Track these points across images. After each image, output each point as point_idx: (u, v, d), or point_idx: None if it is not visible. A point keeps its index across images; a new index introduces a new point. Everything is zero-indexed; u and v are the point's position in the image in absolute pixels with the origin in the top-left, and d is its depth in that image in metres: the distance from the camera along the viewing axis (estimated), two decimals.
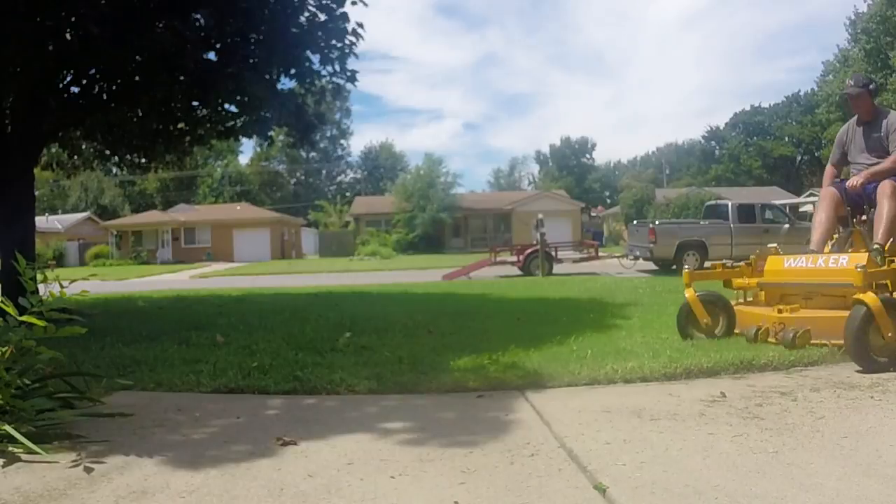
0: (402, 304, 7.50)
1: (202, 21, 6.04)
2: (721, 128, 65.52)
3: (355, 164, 72.62)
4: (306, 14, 6.63)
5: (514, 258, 15.82)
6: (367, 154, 71.33)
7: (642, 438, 2.22)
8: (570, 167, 71.44)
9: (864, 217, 4.32)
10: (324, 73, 7.12)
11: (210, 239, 39.07)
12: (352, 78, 7.27)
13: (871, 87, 4.50)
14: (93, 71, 6.51)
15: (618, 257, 16.55)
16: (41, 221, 33.57)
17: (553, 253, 15.19)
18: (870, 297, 3.21)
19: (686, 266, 3.80)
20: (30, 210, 6.76)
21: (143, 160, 8.98)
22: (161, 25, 5.67)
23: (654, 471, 1.91)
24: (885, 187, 4.12)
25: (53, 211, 47.23)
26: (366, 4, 6.76)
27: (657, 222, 15.00)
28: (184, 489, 1.89)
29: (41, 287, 2.79)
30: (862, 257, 3.63)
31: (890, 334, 3.20)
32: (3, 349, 2.50)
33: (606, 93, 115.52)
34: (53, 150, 8.87)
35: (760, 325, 3.83)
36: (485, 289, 9.91)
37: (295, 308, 6.98)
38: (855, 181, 4.28)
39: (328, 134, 67.37)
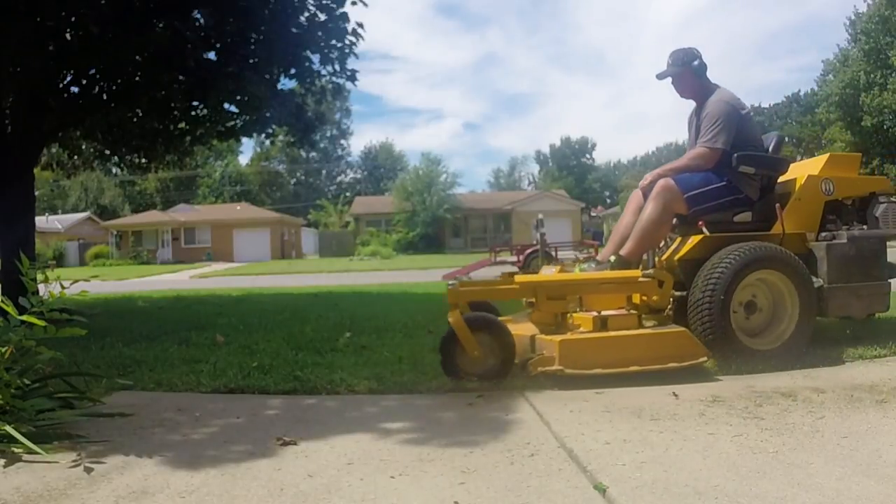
0: (402, 304, 7.50)
1: (202, 20, 6.04)
2: None
3: (355, 164, 72.70)
4: (306, 14, 6.64)
5: (514, 258, 15.82)
6: (367, 154, 71.37)
7: (642, 438, 2.22)
8: (570, 167, 71.52)
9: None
10: (324, 72, 7.13)
11: (210, 239, 39.11)
12: (352, 77, 7.28)
13: (694, 63, 3.80)
14: (93, 71, 6.51)
15: None
16: (41, 221, 33.59)
17: (553, 253, 15.17)
18: (452, 316, 3.06)
19: (451, 283, 3.25)
20: (30, 210, 6.76)
21: (143, 160, 8.98)
22: (161, 25, 5.67)
23: (654, 471, 1.91)
24: (656, 188, 3.61)
25: (53, 211, 47.28)
26: (366, 4, 6.77)
27: None
28: (184, 489, 1.89)
29: (41, 287, 2.79)
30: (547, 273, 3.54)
31: (476, 353, 3.03)
32: (3, 349, 2.50)
33: (606, 93, 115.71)
34: (53, 150, 8.88)
35: None
36: None
37: (295, 308, 6.98)
38: (644, 180, 3.78)
39: (328, 134, 67.38)
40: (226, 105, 7.31)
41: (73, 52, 5.88)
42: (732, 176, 3.65)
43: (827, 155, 4.04)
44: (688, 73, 3.82)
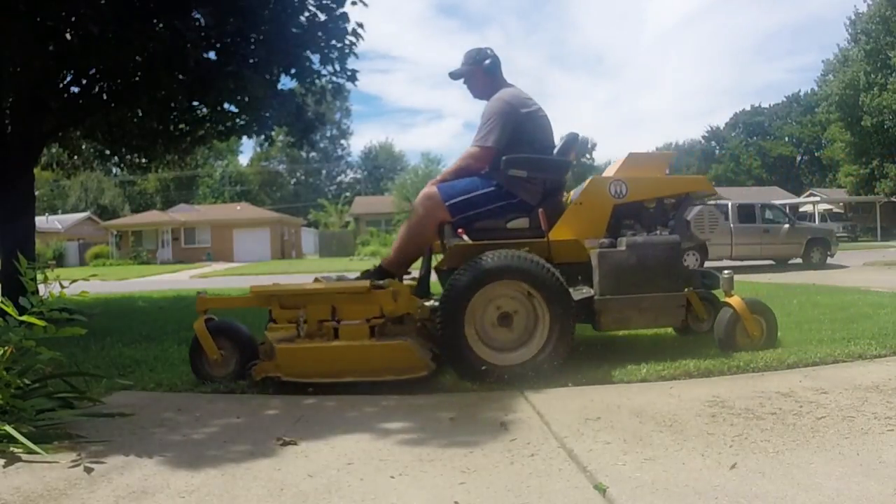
0: None
1: (202, 20, 6.04)
2: (721, 128, 65.64)
3: (355, 164, 72.70)
4: (306, 14, 6.65)
5: None
6: (367, 154, 71.36)
7: (642, 438, 2.22)
8: (571, 167, 71.40)
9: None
10: (324, 72, 7.14)
11: (210, 239, 39.08)
12: (352, 77, 7.29)
13: (485, 62, 3.66)
14: (93, 71, 6.52)
15: None
16: (41, 221, 33.59)
17: None
18: (196, 323, 3.28)
19: (200, 292, 3.49)
20: (30, 210, 6.77)
21: (143, 160, 8.99)
22: (161, 25, 5.67)
23: (654, 471, 1.91)
24: (418, 196, 3.52)
25: (53, 211, 47.28)
26: (366, 4, 6.78)
27: None
28: (184, 489, 1.89)
29: (41, 287, 2.79)
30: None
31: (214, 356, 3.25)
32: (3, 349, 2.50)
33: (606, 93, 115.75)
34: (53, 150, 8.89)
35: None
36: None
37: None
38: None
39: (328, 134, 67.36)
40: (226, 105, 7.32)
41: (73, 52, 5.88)
42: (504, 180, 3.44)
43: (626, 155, 3.75)
44: (479, 73, 3.69)
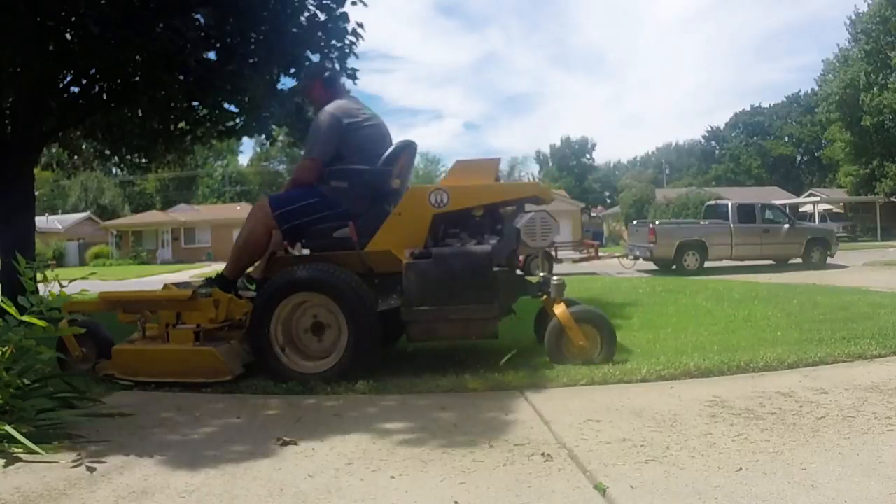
0: None
1: (202, 20, 6.04)
2: (721, 128, 65.59)
3: None
4: (306, 14, 6.65)
5: None
6: None
7: (642, 438, 2.22)
8: (570, 167, 71.41)
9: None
10: None
11: (210, 239, 39.03)
12: (352, 77, 7.28)
13: (325, 75, 3.77)
14: (93, 71, 6.52)
15: (618, 257, 16.54)
16: (41, 221, 33.53)
17: (553, 253, 15.17)
18: (60, 324, 3.45)
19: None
20: (30, 210, 6.77)
21: (143, 160, 8.99)
22: (161, 25, 5.67)
23: (655, 471, 1.91)
24: (253, 207, 3.64)
25: (53, 211, 47.22)
26: (366, 4, 6.78)
27: (657, 222, 14.99)
28: (184, 489, 1.89)
29: (41, 287, 2.80)
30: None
31: (76, 353, 3.51)
32: (3, 349, 2.50)
33: (606, 93, 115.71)
34: (53, 150, 8.88)
35: None
36: None
37: None
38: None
39: None
40: (226, 105, 7.33)
41: (73, 52, 5.88)
42: (329, 190, 3.48)
43: (454, 162, 3.66)
44: (317, 86, 3.76)
